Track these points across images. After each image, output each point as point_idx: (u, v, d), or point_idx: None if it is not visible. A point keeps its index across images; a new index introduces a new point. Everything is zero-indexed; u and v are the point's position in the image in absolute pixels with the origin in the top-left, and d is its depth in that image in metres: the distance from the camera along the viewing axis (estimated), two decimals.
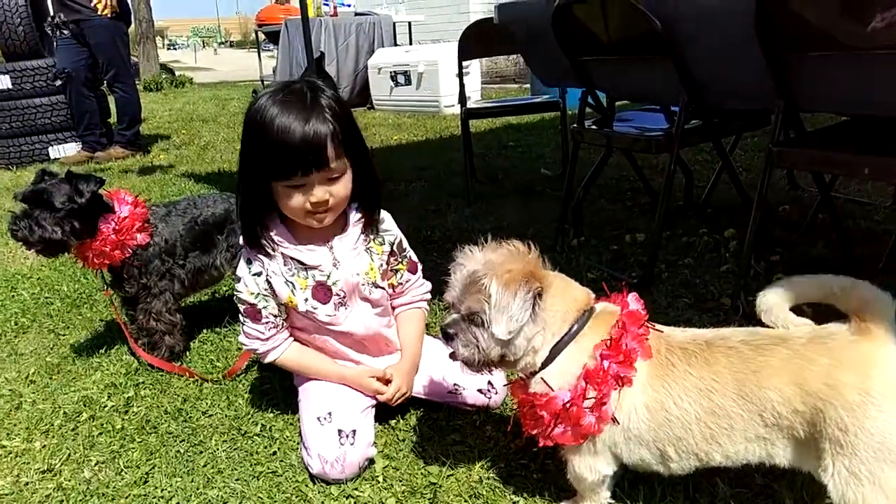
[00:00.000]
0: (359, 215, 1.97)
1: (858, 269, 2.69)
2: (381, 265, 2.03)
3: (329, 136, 1.71)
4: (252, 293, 1.91)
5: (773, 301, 1.43)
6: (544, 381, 1.48)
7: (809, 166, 2.48)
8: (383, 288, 2.04)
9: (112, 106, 7.09)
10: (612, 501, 1.65)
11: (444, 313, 1.65)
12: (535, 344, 1.48)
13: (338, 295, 1.95)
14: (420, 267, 2.17)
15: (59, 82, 6.54)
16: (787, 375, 1.33)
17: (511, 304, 1.42)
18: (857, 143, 2.37)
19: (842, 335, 1.35)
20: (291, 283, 1.91)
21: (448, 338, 1.54)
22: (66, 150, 6.93)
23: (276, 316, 1.95)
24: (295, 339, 2.04)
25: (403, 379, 2.03)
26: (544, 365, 1.49)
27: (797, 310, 1.45)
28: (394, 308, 2.16)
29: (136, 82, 7.38)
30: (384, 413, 2.09)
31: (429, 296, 2.20)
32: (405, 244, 2.11)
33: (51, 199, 2.36)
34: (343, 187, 1.82)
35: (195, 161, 6.49)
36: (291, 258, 1.91)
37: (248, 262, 1.92)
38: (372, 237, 2.00)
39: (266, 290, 1.91)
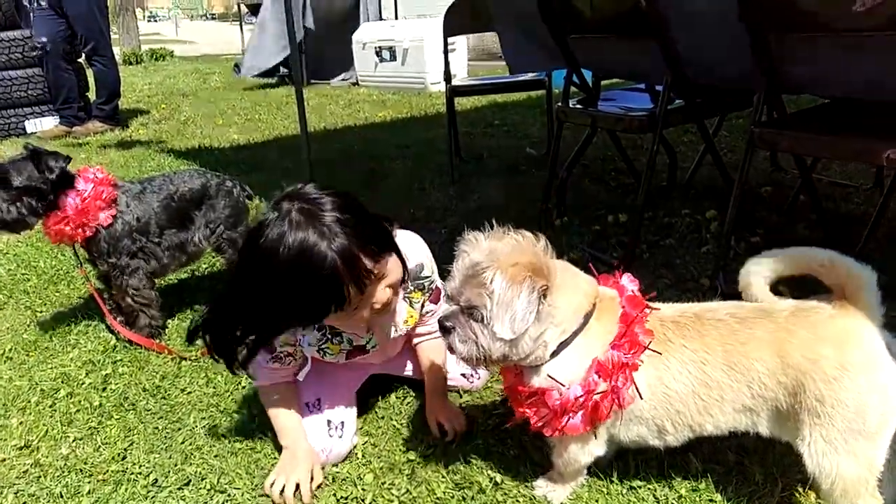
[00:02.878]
0: None
1: (838, 250, 2.71)
2: (421, 309, 1.94)
3: (356, 249, 1.48)
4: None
5: (755, 275, 1.45)
6: (552, 378, 1.44)
7: (790, 148, 2.49)
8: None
9: (90, 79, 6.96)
10: (588, 477, 1.67)
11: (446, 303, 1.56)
12: (545, 339, 1.42)
13: (369, 352, 1.91)
14: (444, 295, 1.96)
15: (35, 53, 6.40)
16: (771, 348, 1.37)
17: (515, 302, 1.33)
18: (838, 125, 2.38)
19: (823, 310, 1.38)
20: (324, 349, 1.84)
21: (445, 331, 1.46)
22: (44, 124, 6.79)
23: (288, 355, 1.83)
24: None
25: (445, 416, 1.92)
26: (550, 357, 1.45)
27: (774, 290, 1.48)
28: (414, 336, 2.05)
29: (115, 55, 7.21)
30: (363, 391, 2.09)
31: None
32: (434, 276, 1.93)
33: (8, 178, 2.33)
34: (394, 272, 1.63)
35: (175, 136, 6.40)
36: (326, 325, 1.79)
37: None
38: (411, 287, 1.88)
39: (286, 348, 1.80)
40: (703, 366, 1.41)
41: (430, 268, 1.90)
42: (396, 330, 1.89)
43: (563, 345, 1.44)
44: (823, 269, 1.37)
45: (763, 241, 2.96)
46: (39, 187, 2.36)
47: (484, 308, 1.37)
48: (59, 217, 2.41)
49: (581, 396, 1.42)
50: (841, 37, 2.04)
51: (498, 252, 1.40)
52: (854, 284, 1.34)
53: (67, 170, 2.44)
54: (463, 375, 2.09)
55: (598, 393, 1.41)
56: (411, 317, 1.92)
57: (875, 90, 2.12)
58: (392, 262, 1.62)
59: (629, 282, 1.53)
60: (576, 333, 1.44)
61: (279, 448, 1.89)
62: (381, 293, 1.60)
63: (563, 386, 1.43)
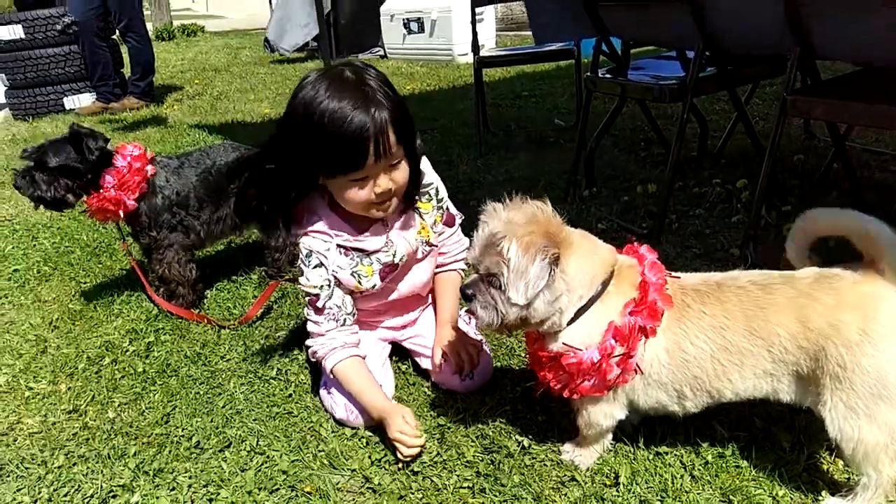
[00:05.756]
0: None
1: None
2: (434, 220, 2.00)
3: (389, 122, 1.64)
4: (314, 286, 1.85)
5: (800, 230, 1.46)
6: (567, 345, 1.49)
7: (823, 115, 2.45)
8: (434, 245, 2.02)
9: (125, 56, 7.06)
10: (614, 443, 1.71)
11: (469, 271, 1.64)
12: (559, 306, 1.46)
13: (401, 268, 1.96)
14: (458, 220, 2.11)
15: (63, 30, 6.50)
16: (792, 313, 1.39)
17: (529, 269, 1.39)
18: (872, 92, 2.33)
19: (846, 276, 1.39)
20: (358, 273, 1.88)
21: (467, 299, 1.53)
22: (81, 101, 6.93)
23: (339, 308, 1.87)
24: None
25: (453, 347, 1.97)
26: (569, 323, 1.50)
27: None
28: (436, 267, 2.12)
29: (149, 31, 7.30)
30: (394, 358, 2.16)
31: (466, 254, 2.09)
32: (443, 194, 2.04)
33: (45, 160, 2.43)
34: (403, 173, 1.76)
35: (208, 111, 6.49)
36: (351, 248, 1.87)
37: (308, 255, 1.85)
38: (419, 198, 1.96)
39: (328, 280, 1.85)
40: (723, 331, 1.44)
41: (437, 184, 2.01)
42: (411, 243, 1.94)
43: (581, 311, 1.48)
44: (859, 233, 1.37)
45: (794, 210, 2.92)
46: (76, 167, 2.45)
47: (501, 276, 1.43)
48: (99, 195, 2.49)
49: (598, 360, 1.46)
50: (874, 3, 1.99)
51: (514, 222, 1.45)
52: (883, 251, 1.34)
53: (107, 149, 2.52)
54: (458, 375, 1.99)
55: (615, 357, 1.45)
56: (423, 228, 1.98)
57: None
58: (405, 162, 1.76)
59: (648, 251, 1.57)
60: (593, 300, 1.48)
61: (315, 411, 1.96)
62: (384, 180, 1.72)
63: (580, 350, 1.48)
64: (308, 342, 1.93)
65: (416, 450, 1.74)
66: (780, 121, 2.37)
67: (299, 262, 1.87)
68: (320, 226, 1.86)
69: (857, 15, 2.08)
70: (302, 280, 1.87)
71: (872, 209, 2.67)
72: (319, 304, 1.86)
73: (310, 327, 1.91)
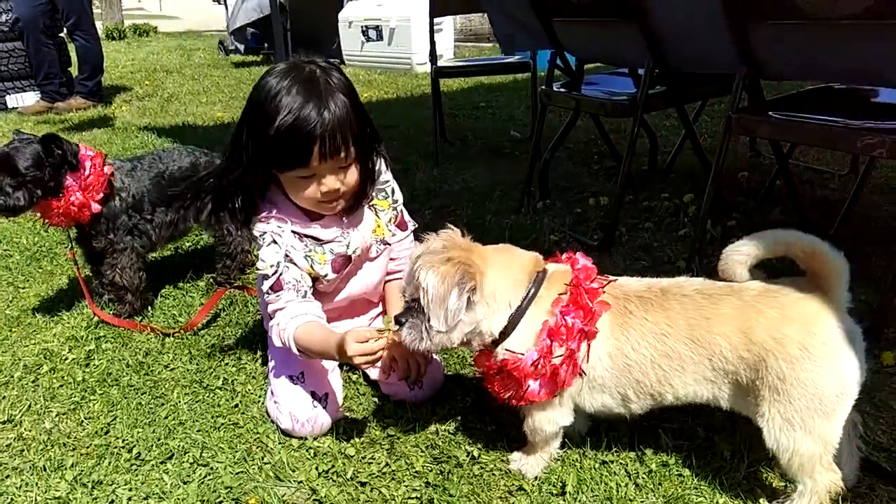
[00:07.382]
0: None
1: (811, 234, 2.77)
2: (391, 218, 2.05)
3: (339, 124, 1.67)
4: (272, 265, 1.82)
5: (737, 258, 1.47)
6: (509, 350, 1.54)
7: (767, 134, 2.53)
8: (389, 244, 2.05)
9: (73, 55, 6.86)
10: (561, 451, 1.72)
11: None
12: (482, 328, 1.54)
13: (354, 263, 1.97)
14: (411, 227, 2.14)
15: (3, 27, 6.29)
16: (736, 324, 1.43)
17: (447, 298, 1.47)
18: (815, 113, 2.42)
19: (792, 291, 1.43)
20: (310, 258, 1.88)
21: (399, 323, 1.60)
22: (25, 100, 6.70)
23: (297, 281, 1.83)
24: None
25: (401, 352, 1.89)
26: (506, 332, 1.54)
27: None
28: (387, 274, 2.14)
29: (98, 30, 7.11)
30: (344, 368, 2.13)
31: None
32: (399, 196, 2.07)
33: (14, 163, 2.30)
34: (353, 175, 1.80)
35: (158, 113, 6.34)
36: (306, 235, 1.88)
37: (262, 235, 1.85)
38: (373, 194, 1.99)
39: (283, 257, 1.84)
40: (665, 338, 1.47)
41: (393, 184, 2.06)
42: (366, 237, 1.97)
43: (516, 318, 1.53)
44: (803, 253, 1.41)
45: (739, 225, 3.02)
46: (41, 172, 2.33)
47: (423, 304, 1.50)
48: (65, 199, 2.38)
49: (538, 359, 1.50)
50: (818, 25, 2.08)
51: (430, 251, 1.53)
52: (828, 270, 1.39)
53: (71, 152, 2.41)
54: (405, 381, 1.95)
55: (555, 357, 1.49)
56: (378, 226, 2.01)
57: (850, 77, 2.17)
58: (355, 169, 1.80)
59: (582, 256, 1.62)
60: (526, 306, 1.53)
61: (262, 422, 1.93)
62: (332, 181, 1.75)
63: (522, 354, 1.52)
64: (271, 324, 1.86)
65: (379, 354, 1.66)
66: (725, 138, 2.44)
67: (257, 249, 1.89)
68: (275, 212, 1.87)
69: (801, 38, 2.15)
70: (259, 264, 1.86)
71: (813, 227, 2.79)
72: (277, 281, 1.82)
73: (270, 308, 1.84)
